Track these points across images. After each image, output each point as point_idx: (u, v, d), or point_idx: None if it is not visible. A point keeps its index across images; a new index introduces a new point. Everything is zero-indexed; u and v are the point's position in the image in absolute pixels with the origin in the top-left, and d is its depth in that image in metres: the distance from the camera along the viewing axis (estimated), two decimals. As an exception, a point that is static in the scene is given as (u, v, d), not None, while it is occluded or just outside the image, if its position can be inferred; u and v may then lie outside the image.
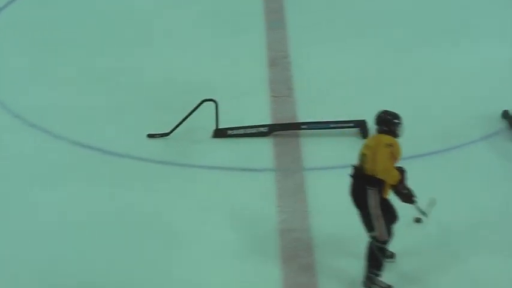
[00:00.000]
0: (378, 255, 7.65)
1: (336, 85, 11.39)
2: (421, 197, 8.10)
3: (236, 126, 10.36)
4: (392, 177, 7.43)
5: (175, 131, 10.17)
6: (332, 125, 10.35)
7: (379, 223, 7.50)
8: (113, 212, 8.89)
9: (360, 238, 8.37)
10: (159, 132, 10.15)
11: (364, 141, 7.78)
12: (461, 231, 8.57)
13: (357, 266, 7.96)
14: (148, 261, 8.19)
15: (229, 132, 10.31)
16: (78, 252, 8.27)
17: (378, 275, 7.69)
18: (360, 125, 10.27)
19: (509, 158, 9.76)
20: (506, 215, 8.90)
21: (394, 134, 7.56)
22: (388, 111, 7.65)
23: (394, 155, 7.44)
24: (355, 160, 9.60)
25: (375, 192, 7.43)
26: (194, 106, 10.18)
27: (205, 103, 10.21)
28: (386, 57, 12.09)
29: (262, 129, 10.37)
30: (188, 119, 10.16)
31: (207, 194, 9.29)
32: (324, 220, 8.82)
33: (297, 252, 8.31)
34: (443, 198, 8.49)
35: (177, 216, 8.87)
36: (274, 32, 12.95)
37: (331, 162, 9.81)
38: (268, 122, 10.59)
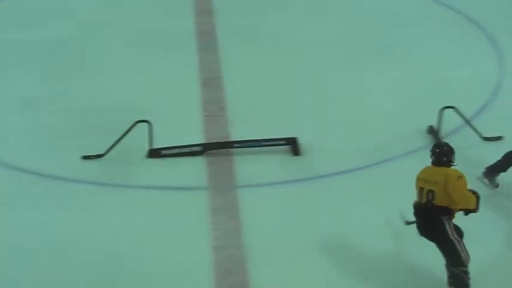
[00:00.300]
0: (465, 280, 7.71)
1: (268, 104, 11.47)
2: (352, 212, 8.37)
3: (170, 146, 10.30)
4: (473, 203, 7.72)
5: (110, 152, 10.06)
6: (264, 143, 10.37)
7: (461, 247, 7.60)
8: (49, 234, 8.77)
9: (292, 253, 8.41)
10: (94, 154, 9.99)
11: (421, 176, 7.83)
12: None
13: (291, 282, 8.05)
14: (85, 280, 8.14)
15: (164, 152, 10.27)
16: (18, 276, 8.15)
17: None
18: (291, 143, 10.35)
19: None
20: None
21: (451, 163, 7.81)
22: (443, 143, 8.15)
23: (466, 183, 7.67)
24: (287, 176, 9.66)
25: (448, 219, 7.60)
26: (128, 127, 10.05)
27: (139, 124, 10.13)
28: (314, 75, 12.26)
29: (195, 148, 10.34)
30: (123, 140, 10.12)
31: (142, 213, 9.24)
32: (258, 237, 8.80)
33: (231, 269, 8.30)
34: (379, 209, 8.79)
35: (112, 235, 8.78)
36: (206, 53, 13.00)
37: (264, 179, 9.86)
38: (201, 141, 10.58)
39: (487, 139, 10.51)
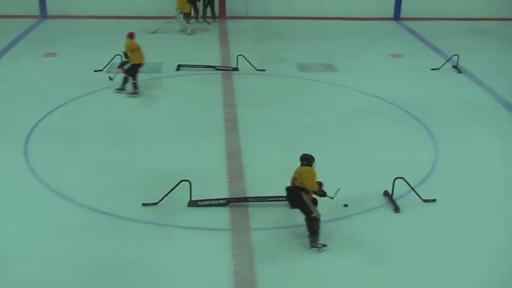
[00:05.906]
0: (314, 223, 9.63)
1: (274, 170, 11.73)
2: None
3: (204, 198, 10.97)
4: (314, 187, 9.74)
5: (162, 201, 10.86)
6: (270, 199, 11.07)
7: (312, 207, 9.60)
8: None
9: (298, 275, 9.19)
10: (151, 202, 10.51)
11: (294, 172, 9.81)
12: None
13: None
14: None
15: (199, 202, 11.04)
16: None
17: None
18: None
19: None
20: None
21: (310, 165, 9.89)
22: (307, 154, 9.86)
23: (315, 175, 9.78)
24: (287, 222, 9.90)
25: (305, 193, 9.64)
26: (175, 184, 11.00)
27: (182, 182, 10.94)
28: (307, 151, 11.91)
29: (221, 201, 11.14)
30: (171, 193, 10.97)
31: (181, 246, 9.85)
32: (267, 265, 9.37)
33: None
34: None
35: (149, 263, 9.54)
36: (229, 134, 13.62)
37: (271, 224, 10.46)
38: (226, 196, 11.25)
39: (425, 201, 11.25)
